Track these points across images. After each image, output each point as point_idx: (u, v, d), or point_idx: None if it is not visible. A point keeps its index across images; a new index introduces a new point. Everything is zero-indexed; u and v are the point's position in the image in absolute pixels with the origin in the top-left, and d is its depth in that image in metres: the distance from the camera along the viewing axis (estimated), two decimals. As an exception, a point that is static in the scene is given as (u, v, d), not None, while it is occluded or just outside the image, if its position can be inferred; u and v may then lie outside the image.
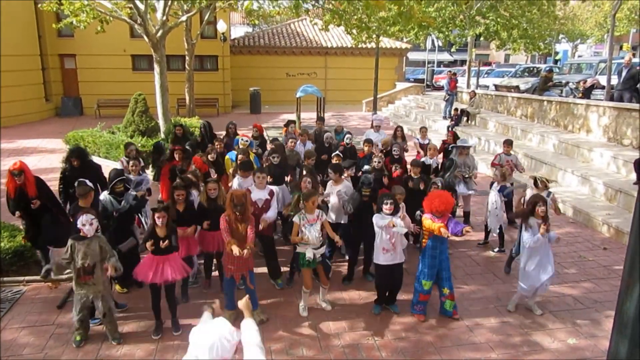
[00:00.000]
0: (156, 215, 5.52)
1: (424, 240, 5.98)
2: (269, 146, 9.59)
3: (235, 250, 5.40)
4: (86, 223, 5.13)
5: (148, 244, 5.44)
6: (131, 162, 7.67)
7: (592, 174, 10.64)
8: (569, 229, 9.19)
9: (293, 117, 17.17)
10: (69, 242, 5.19)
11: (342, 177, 7.29)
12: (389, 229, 5.74)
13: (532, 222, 5.90)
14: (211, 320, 2.89)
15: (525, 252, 6.06)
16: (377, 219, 5.92)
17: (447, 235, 5.59)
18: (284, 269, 7.13)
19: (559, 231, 8.92)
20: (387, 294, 6.25)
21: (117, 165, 9.08)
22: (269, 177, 7.41)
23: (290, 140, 9.33)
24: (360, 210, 6.59)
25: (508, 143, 9.26)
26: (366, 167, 8.37)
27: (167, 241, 5.48)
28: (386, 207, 5.86)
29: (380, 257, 5.99)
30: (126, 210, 6.44)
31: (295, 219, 5.91)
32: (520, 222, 6.15)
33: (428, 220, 5.77)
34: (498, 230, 7.95)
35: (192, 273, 6.52)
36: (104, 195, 6.50)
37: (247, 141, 9.16)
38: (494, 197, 7.75)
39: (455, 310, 6.13)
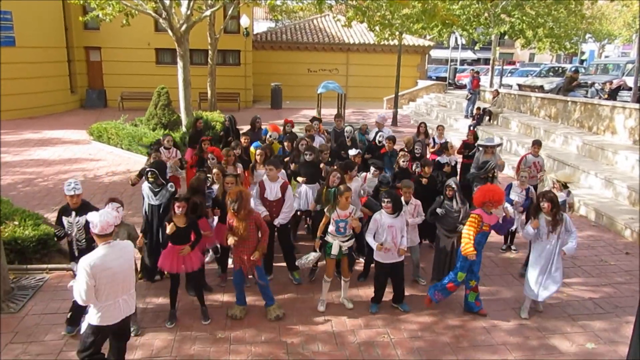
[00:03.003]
0: (176, 204, 5.64)
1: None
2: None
3: (230, 239, 5.61)
4: (113, 209, 5.21)
5: (168, 228, 5.60)
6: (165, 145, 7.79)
7: (616, 177, 10.45)
8: (591, 232, 9.05)
9: (314, 112, 17.20)
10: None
11: (353, 175, 7.20)
12: (395, 244, 5.88)
13: (540, 218, 5.89)
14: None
15: (532, 252, 6.11)
16: (377, 219, 5.93)
17: (473, 258, 5.77)
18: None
19: (580, 234, 8.79)
20: (394, 293, 6.28)
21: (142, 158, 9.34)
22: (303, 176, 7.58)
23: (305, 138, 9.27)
24: (376, 208, 6.58)
25: (537, 144, 8.86)
26: (352, 152, 8.32)
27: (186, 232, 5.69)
28: (384, 206, 5.87)
29: (380, 255, 5.98)
30: (157, 205, 6.52)
31: (328, 212, 5.92)
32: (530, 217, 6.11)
33: (466, 239, 5.80)
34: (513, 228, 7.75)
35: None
36: (146, 184, 6.61)
37: (274, 137, 9.20)
38: (518, 195, 7.60)
39: (479, 302, 6.13)
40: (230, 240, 5.62)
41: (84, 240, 5.54)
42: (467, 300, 6.16)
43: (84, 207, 5.54)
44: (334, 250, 5.97)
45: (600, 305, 6.45)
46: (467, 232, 5.81)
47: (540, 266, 5.94)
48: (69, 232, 5.56)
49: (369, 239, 5.97)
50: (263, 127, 10.59)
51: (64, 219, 5.56)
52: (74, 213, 5.52)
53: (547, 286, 5.94)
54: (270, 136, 9.27)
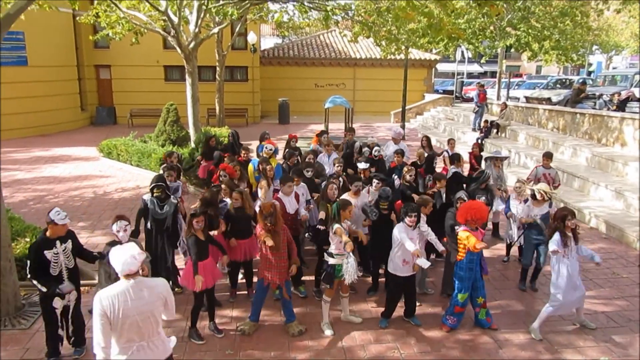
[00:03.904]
0: (194, 220, 5.66)
1: (459, 255, 5.91)
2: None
3: (269, 241, 5.50)
4: (120, 229, 5.24)
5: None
6: (166, 172, 7.68)
7: (626, 189, 10.37)
8: (602, 245, 8.96)
9: (321, 127, 17.26)
10: (105, 248, 5.25)
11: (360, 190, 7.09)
12: (414, 257, 5.79)
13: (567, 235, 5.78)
14: (124, 244, 3.81)
15: (558, 270, 5.85)
16: (400, 234, 5.85)
17: (482, 248, 5.59)
18: (309, 278, 7.15)
19: (591, 247, 8.71)
20: (406, 307, 6.24)
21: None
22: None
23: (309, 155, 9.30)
24: (379, 222, 6.51)
25: (547, 156, 8.86)
26: (361, 165, 8.32)
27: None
28: (410, 220, 5.85)
29: (399, 269, 5.95)
30: (163, 218, 6.58)
31: (338, 225, 5.75)
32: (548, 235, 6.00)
33: (465, 234, 5.71)
34: (516, 240, 7.73)
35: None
36: (148, 196, 6.69)
37: (271, 149, 9.28)
38: (517, 207, 7.60)
39: (490, 317, 6.08)
40: (270, 242, 5.52)
41: (73, 265, 5.26)
42: (478, 318, 6.10)
43: (67, 233, 5.24)
44: (345, 270, 5.87)
45: (613, 319, 6.37)
46: (462, 235, 5.77)
47: (568, 282, 5.75)
48: (56, 263, 5.08)
49: (408, 244, 5.71)
50: (262, 143, 10.62)
51: (47, 253, 5.01)
52: (58, 242, 5.10)
53: (576, 296, 5.87)
54: (266, 147, 9.36)
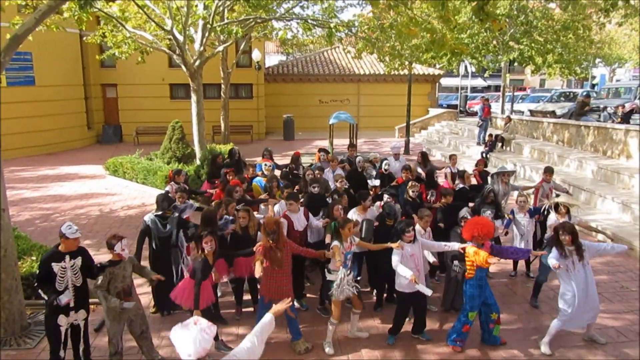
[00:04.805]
0: (203, 241, 5.57)
1: (468, 273, 5.83)
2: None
3: (258, 269, 5.34)
4: (125, 248, 5.23)
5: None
6: (178, 194, 7.62)
7: (633, 201, 10.30)
8: (610, 258, 8.87)
9: (326, 143, 17.31)
10: (106, 270, 5.14)
11: (367, 205, 7.05)
12: (411, 283, 5.62)
13: (566, 250, 5.73)
14: (188, 320, 3.14)
15: (563, 284, 5.80)
16: (394, 261, 5.77)
17: (493, 263, 5.51)
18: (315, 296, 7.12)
19: (599, 260, 8.66)
20: (415, 322, 6.17)
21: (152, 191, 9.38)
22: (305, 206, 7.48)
23: (316, 171, 9.31)
24: (383, 239, 6.42)
25: (550, 171, 8.91)
26: (372, 182, 8.30)
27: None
28: (408, 235, 5.81)
29: (405, 285, 5.85)
30: (168, 235, 6.59)
31: (336, 243, 5.75)
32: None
33: (473, 249, 5.66)
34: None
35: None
36: (149, 216, 6.66)
37: (270, 166, 9.33)
38: (522, 219, 7.60)
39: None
40: (258, 269, 5.37)
41: (81, 283, 5.17)
42: (492, 335, 5.99)
43: (78, 249, 5.23)
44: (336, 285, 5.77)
45: (624, 334, 6.29)
46: (470, 251, 5.72)
47: (578, 296, 5.67)
48: (62, 277, 5.02)
49: (401, 269, 5.66)
50: (259, 162, 10.63)
51: (54, 266, 4.98)
52: (67, 257, 5.07)
53: (588, 311, 5.79)
54: (265, 165, 9.43)
